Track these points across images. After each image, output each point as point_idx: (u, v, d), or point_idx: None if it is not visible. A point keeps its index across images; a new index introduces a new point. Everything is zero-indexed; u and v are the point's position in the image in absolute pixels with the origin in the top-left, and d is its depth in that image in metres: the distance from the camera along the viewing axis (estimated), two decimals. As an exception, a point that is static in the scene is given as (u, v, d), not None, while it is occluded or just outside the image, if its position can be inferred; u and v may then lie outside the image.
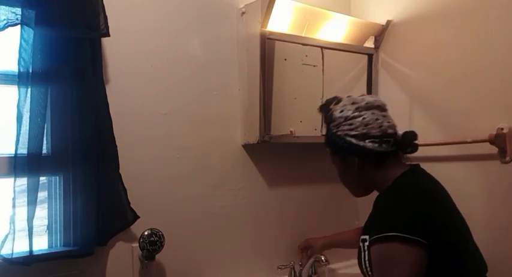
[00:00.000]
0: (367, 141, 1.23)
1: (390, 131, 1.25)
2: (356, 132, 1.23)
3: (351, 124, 1.24)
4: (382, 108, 1.29)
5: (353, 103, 1.27)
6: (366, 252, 1.17)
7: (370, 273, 1.18)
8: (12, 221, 1.22)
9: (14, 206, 1.22)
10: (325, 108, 1.34)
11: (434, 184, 1.29)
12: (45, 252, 1.32)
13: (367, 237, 1.18)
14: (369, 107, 1.26)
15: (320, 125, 1.87)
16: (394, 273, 1.10)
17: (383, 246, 1.11)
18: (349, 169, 1.30)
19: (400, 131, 1.28)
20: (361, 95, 1.34)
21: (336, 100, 1.31)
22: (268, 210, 1.82)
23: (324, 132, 1.36)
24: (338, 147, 1.28)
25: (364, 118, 1.24)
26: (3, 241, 1.21)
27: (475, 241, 1.25)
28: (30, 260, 1.25)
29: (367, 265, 1.18)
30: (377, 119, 1.24)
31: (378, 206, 1.23)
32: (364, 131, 1.23)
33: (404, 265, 1.09)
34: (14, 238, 1.22)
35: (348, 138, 1.24)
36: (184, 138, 1.62)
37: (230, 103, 1.74)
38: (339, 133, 1.26)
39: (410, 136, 1.27)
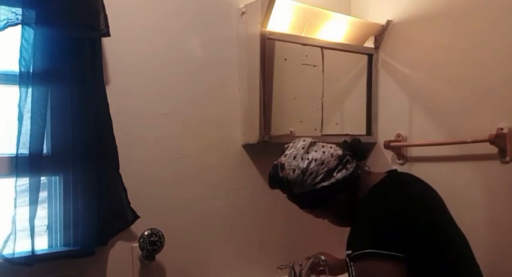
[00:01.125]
0: (334, 174, 1.21)
1: (339, 152, 1.25)
2: (321, 176, 1.21)
3: (311, 173, 1.21)
4: (313, 141, 1.28)
5: (294, 157, 1.24)
6: (352, 268, 1.16)
7: None
8: (14, 221, 1.22)
9: (15, 206, 1.23)
10: (277, 180, 1.27)
11: (413, 187, 1.27)
12: (47, 252, 1.32)
13: (350, 251, 1.16)
14: (307, 149, 1.25)
15: (320, 125, 1.87)
16: None
17: (361, 264, 1.10)
18: (337, 210, 1.27)
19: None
20: (286, 147, 1.31)
21: (279, 166, 1.27)
22: (268, 210, 1.82)
23: (292, 199, 1.29)
24: (317, 200, 1.24)
25: (315, 160, 1.22)
26: (6, 242, 1.22)
27: (469, 243, 1.24)
28: (32, 260, 1.25)
29: None
30: (324, 152, 1.23)
31: (356, 220, 1.20)
32: (325, 169, 1.21)
33: None
34: (15, 238, 1.22)
35: (319, 186, 1.21)
36: (184, 138, 1.62)
37: (230, 103, 1.74)
38: (308, 189, 1.22)
39: (358, 143, 1.28)
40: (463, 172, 1.71)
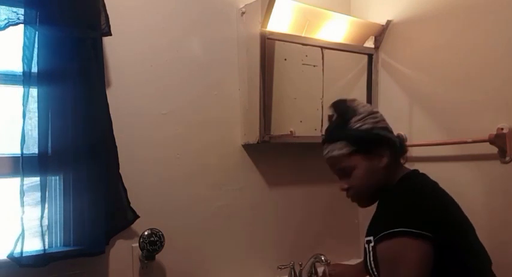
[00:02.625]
0: (390, 134, 1.26)
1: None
2: (382, 125, 1.26)
3: (375, 117, 1.26)
4: None
5: (364, 106, 1.30)
6: (371, 253, 1.17)
7: (376, 273, 1.18)
8: (22, 221, 1.23)
9: (22, 205, 1.23)
10: (341, 106, 1.30)
11: (435, 184, 1.29)
12: (59, 250, 1.33)
13: (371, 238, 1.17)
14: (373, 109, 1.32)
15: (320, 125, 1.87)
16: (402, 267, 1.09)
17: (390, 242, 1.10)
18: (370, 168, 1.25)
19: None
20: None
21: (350, 99, 1.32)
22: (268, 210, 1.82)
23: (336, 132, 1.29)
24: (366, 142, 1.23)
25: (381, 115, 1.28)
26: (16, 242, 1.22)
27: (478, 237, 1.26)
28: (44, 260, 1.26)
29: (373, 265, 1.18)
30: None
31: (384, 205, 1.22)
32: (386, 125, 1.27)
33: (412, 259, 1.09)
34: (23, 238, 1.22)
35: (376, 131, 1.24)
36: (184, 138, 1.62)
37: (230, 103, 1.74)
38: (365, 126, 1.24)
39: (403, 138, 1.35)
40: (463, 172, 1.71)
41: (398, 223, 1.10)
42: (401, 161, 1.32)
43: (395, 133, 1.82)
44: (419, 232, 1.08)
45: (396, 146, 1.26)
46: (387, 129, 1.28)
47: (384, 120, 1.29)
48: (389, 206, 1.20)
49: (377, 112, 1.29)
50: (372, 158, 1.24)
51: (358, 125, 1.24)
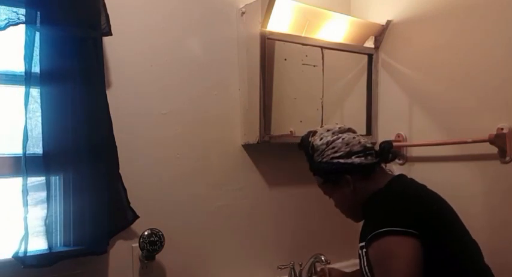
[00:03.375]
0: (353, 157, 1.31)
1: (369, 145, 1.35)
2: (341, 153, 1.32)
3: (333, 147, 1.33)
4: (353, 130, 1.40)
5: (328, 130, 1.38)
6: (365, 258, 1.21)
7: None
8: (26, 221, 1.23)
9: (26, 205, 1.23)
10: (305, 143, 1.40)
11: (421, 187, 1.33)
12: (62, 250, 1.33)
13: (363, 243, 1.21)
14: (342, 130, 1.37)
15: (320, 125, 1.87)
16: (394, 264, 1.13)
17: (378, 242, 1.15)
18: (343, 192, 1.35)
19: None
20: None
21: (312, 132, 1.40)
22: (268, 210, 1.82)
23: (309, 166, 1.40)
24: (328, 173, 1.34)
25: (343, 138, 1.34)
26: (20, 242, 1.22)
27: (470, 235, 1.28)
28: (50, 259, 1.26)
29: (367, 270, 1.21)
30: (354, 138, 1.35)
31: (369, 213, 1.30)
32: (347, 149, 1.32)
33: (402, 254, 1.12)
34: (27, 238, 1.22)
35: (336, 160, 1.32)
36: (184, 138, 1.62)
37: (230, 103, 1.74)
38: (325, 159, 1.34)
39: (387, 145, 1.35)
40: (463, 173, 1.71)
41: (384, 224, 1.16)
42: (384, 167, 1.38)
43: (394, 133, 1.86)
44: (404, 230, 1.13)
45: (362, 166, 1.30)
46: (349, 153, 1.31)
47: (345, 144, 1.32)
48: (373, 212, 1.27)
49: (338, 138, 1.33)
50: (341, 185, 1.34)
51: (319, 160, 1.35)
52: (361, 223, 1.32)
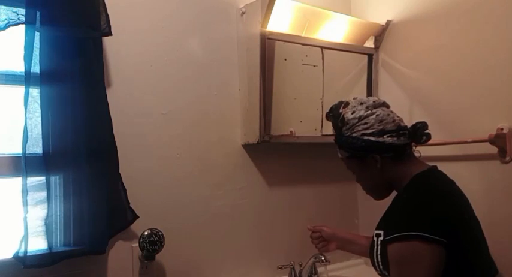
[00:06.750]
0: (385, 136, 1.23)
1: (403, 123, 1.28)
2: (373, 130, 1.24)
3: (365, 123, 1.25)
4: (387, 105, 1.32)
5: (361, 103, 1.28)
6: (379, 247, 1.18)
7: (381, 267, 1.19)
8: (26, 221, 1.23)
9: (25, 205, 1.23)
10: (334, 113, 1.32)
11: (452, 185, 1.29)
12: (63, 250, 1.33)
13: (381, 232, 1.18)
14: (376, 104, 1.28)
15: (320, 125, 1.87)
16: (413, 271, 1.10)
17: (403, 244, 1.11)
18: (369, 170, 1.29)
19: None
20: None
21: (344, 103, 1.31)
22: (268, 210, 1.82)
23: (335, 138, 1.33)
24: (357, 149, 1.26)
25: (377, 115, 1.25)
26: (20, 242, 1.22)
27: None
28: (50, 259, 1.26)
29: (379, 259, 1.18)
30: (388, 114, 1.27)
31: (397, 203, 1.23)
32: (380, 127, 1.24)
33: (424, 264, 1.09)
34: (27, 238, 1.22)
35: (366, 137, 1.24)
36: (184, 138, 1.62)
37: (230, 103, 1.74)
38: (354, 134, 1.26)
39: (422, 125, 1.28)
40: (463, 172, 1.70)
41: (413, 227, 1.10)
42: (417, 154, 1.31)
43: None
44: (433, 237, 1.09)
45: (393, 146, 1.24)
46: (382, 131, 1.24)
47: (378, 121, 1.24)
48: (401, 206, 1.21)
49: (371, 114, 1.25)
50: (367, 163, 1.28)
51: (348, 134, 1.27)
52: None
